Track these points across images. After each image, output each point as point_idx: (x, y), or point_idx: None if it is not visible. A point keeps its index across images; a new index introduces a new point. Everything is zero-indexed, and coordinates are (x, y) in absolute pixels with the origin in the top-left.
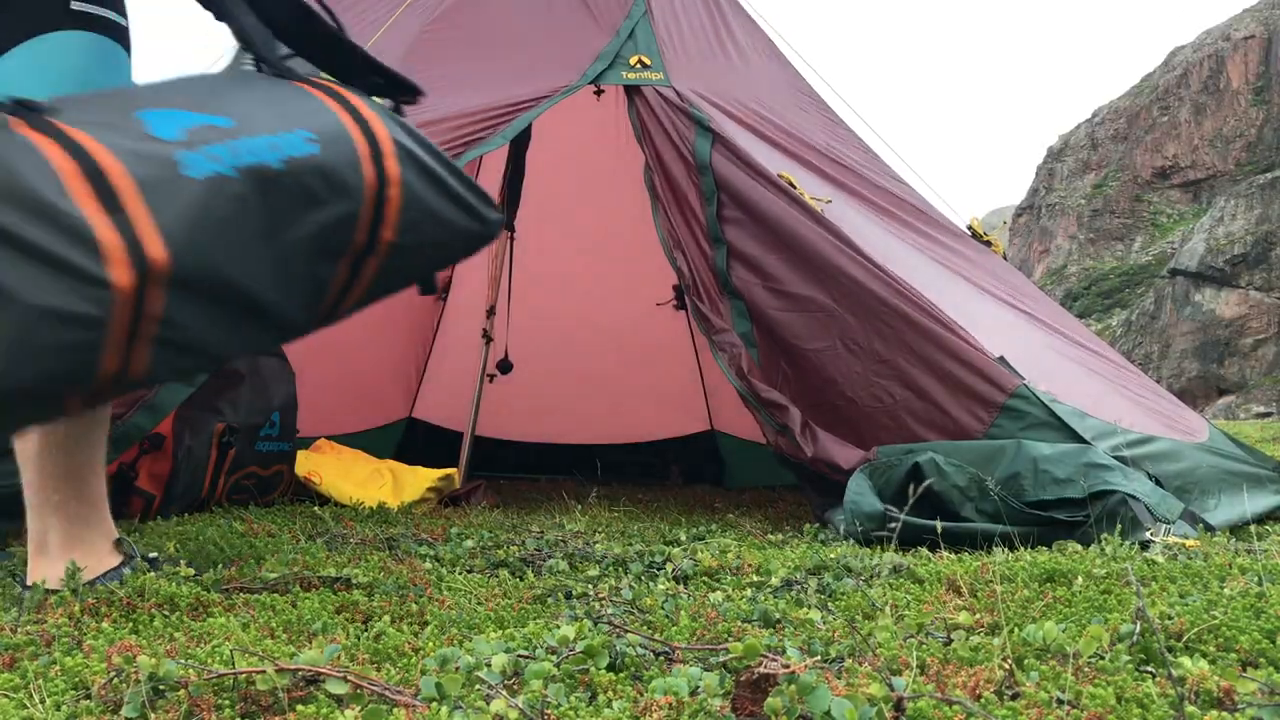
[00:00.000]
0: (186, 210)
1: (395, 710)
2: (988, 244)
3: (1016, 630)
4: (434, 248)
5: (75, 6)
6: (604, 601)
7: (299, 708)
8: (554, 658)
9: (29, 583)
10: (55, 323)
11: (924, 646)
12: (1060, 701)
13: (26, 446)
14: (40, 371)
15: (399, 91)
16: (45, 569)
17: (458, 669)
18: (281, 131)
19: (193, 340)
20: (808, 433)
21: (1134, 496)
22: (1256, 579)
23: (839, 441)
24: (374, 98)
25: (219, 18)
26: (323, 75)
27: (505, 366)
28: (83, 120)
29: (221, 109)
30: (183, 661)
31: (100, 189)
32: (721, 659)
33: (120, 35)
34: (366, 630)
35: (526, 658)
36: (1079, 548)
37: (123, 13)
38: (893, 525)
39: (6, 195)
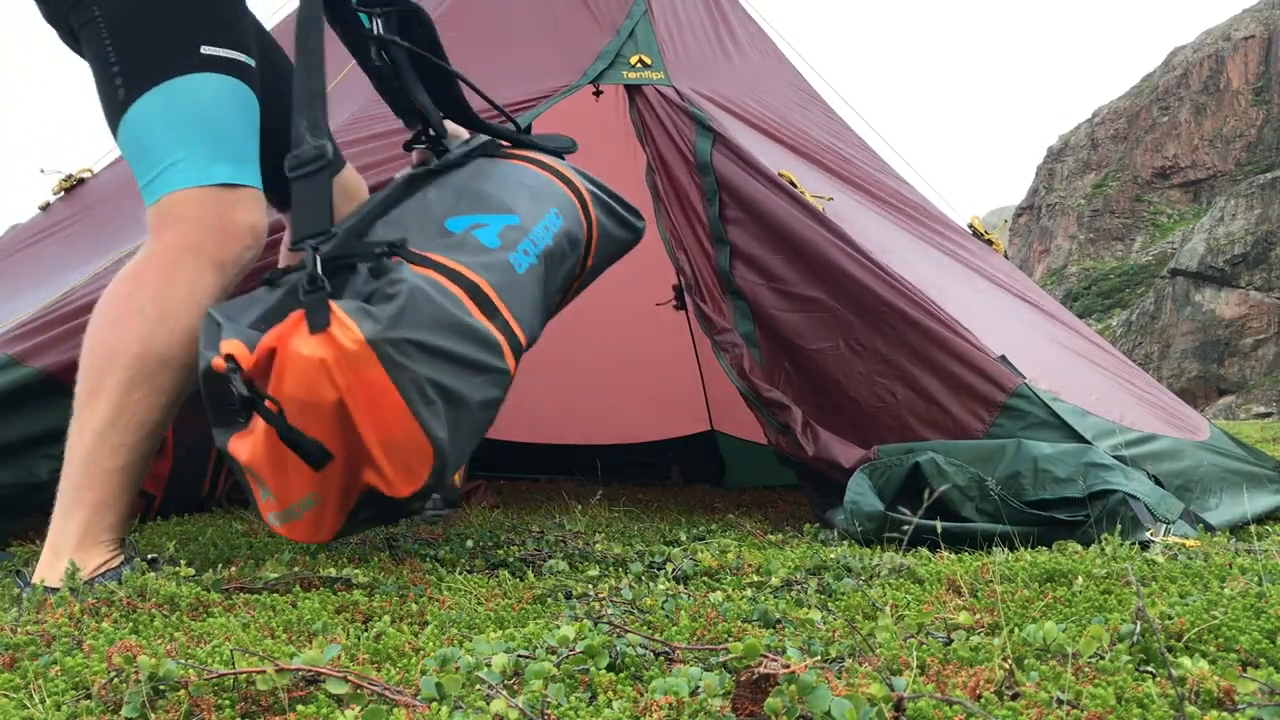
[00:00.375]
0: (525, 299)
1: (395, 710)
2: (989, 243)
3: (1016, 630)
4: (607, 259)
5: (205, 51)
6: (604, 601)
7: (299, 708)
8: (554, 658)
9: (33, 580)
10: (487, 409)
11: (924, 646)
12: (1060, 701)
13: (81, 443)
14: (476, 442)
15: (560, 148)
16: (51, 568)
17: (458, 669)
18: (544, 215)
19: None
20: (809, 432)
21: (1134, 496)
22: (1256, 579)
23: (840, 440)
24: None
25: (401, 93)
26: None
27: None
28: (427, 242)
29: (503, 206)
30: (183, 661)
31: (480, 302)
32: (721, 659)
33: (248, 76)
34: (366, 630)
35: (526, 658)
36: (1079, 548)
37: (250, 53)
38: (905, 528)
39: (443, 325)
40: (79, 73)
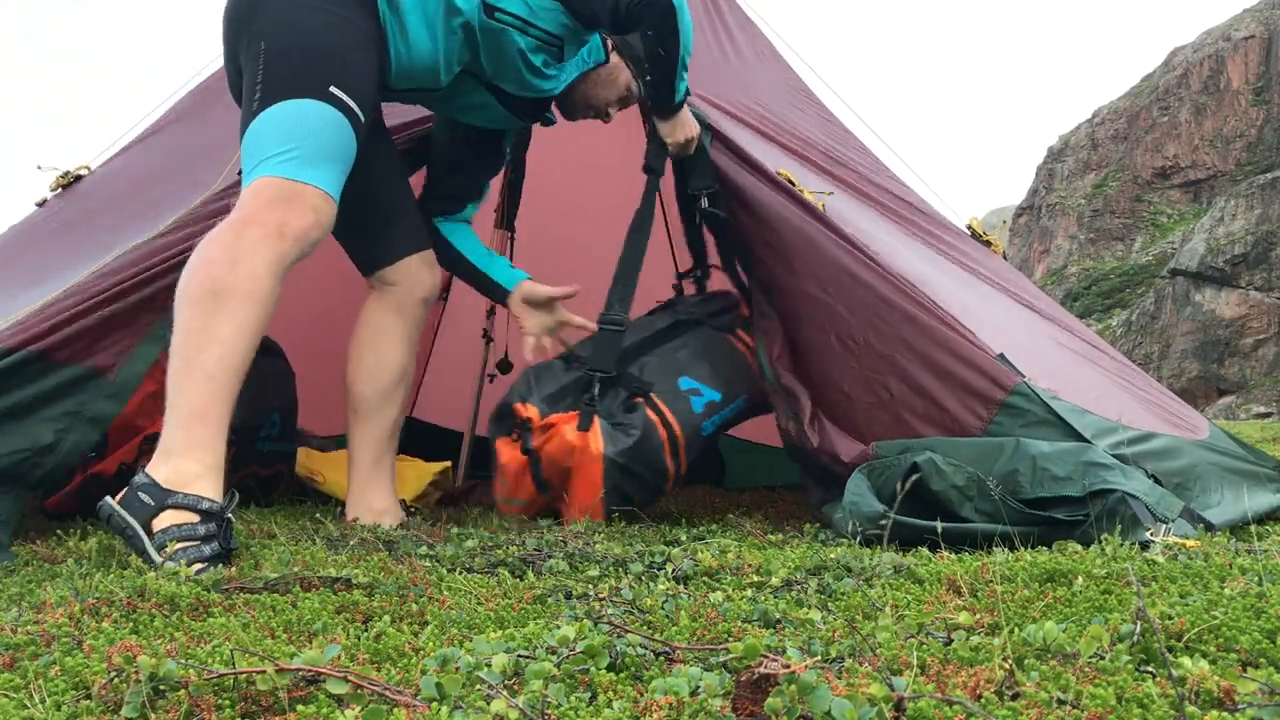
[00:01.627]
0: (695, 452)
1: (395, 710)
2: (987, 244)
3: (1016, 630)
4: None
5: (332, 89)
6: (604, 601)
7: (299, 708)
8: (554, 658)
9: (146, 470)
10: (652, 489)
11: (924, 646)
12: (1060, 701)
13: (174, 367)
14: (624, 500)
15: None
16: (162, 467)
17: (458, 669)
18: (735, 401)
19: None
20: (816, 424)
21: (1133, 495)
22: (1256, 579)
23: (843, 435)
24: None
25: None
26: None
27: (505, 366)
28: (663, 392)
29: (715, 384)
30: (183, 661)
31: (673, 448)
32: (722, 659)
33: (355, 122)
34: (366, 630)
35: (527, 658)
36: (1079, 548)
37: (364, 111)
38: (883, 524)
39: (646, 461)
40: (78, 73)
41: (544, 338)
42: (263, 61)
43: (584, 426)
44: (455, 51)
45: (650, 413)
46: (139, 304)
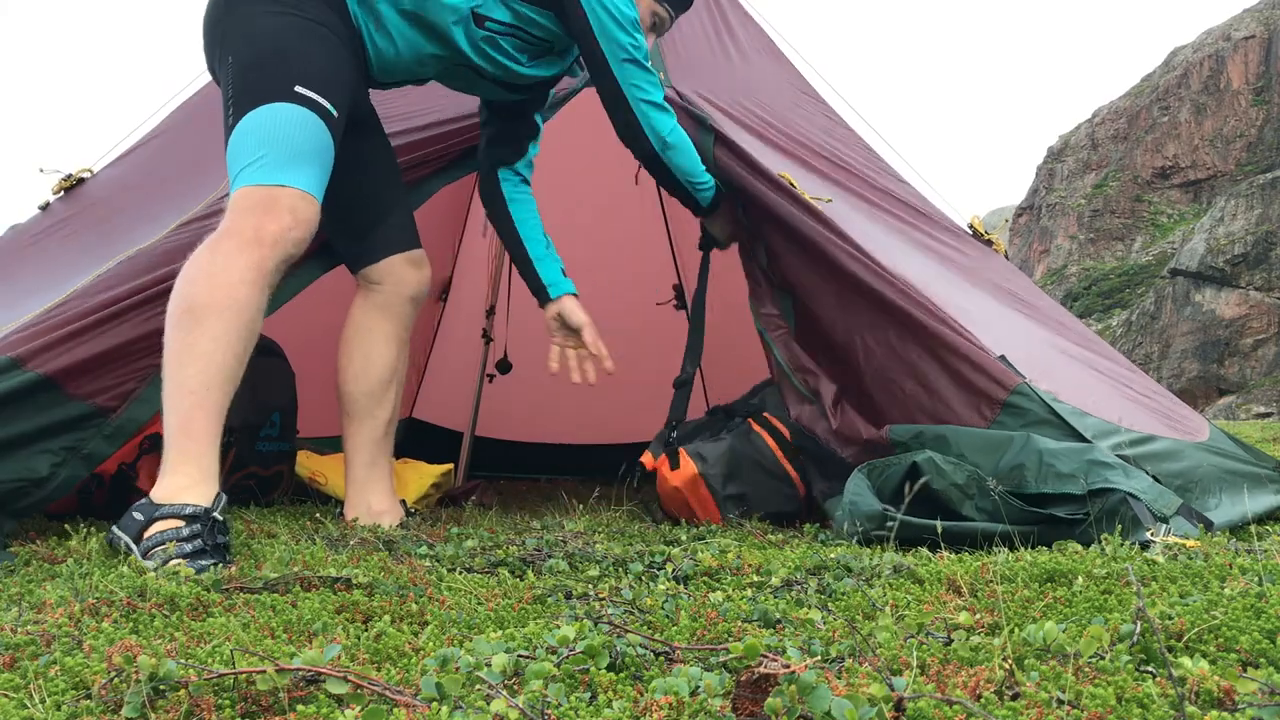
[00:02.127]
0: (826, 451)
1: (395, 710)
2: (989, 243)
3: (1016, 630)
4: None
5: (298, 89)
6: (604, 601)
7: (299, 708)
8: (554, 658)
9: (150, 494)
10: (773, 488)
11: (924, 646)
12: (1060, 701)
13: (165, 389)
14: (742, 500)
15: None
16: (159, 487)
17: (458, 669)
18: None
19: None
20: (838, 408)
21: (1134, 496)
22: (1257, 579)
23: (863, 419)
24: None
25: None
26: None
27: (505, 366)
28: (775, 407)
29: None
30: (183, 661)
31: (785, 449)
32: (721, 659)
33: (328, 119)
34: (366, 630)
35: (527, 658)
36: (1079, 548)
37: (338, 107)
38: (890, 525)
39: (769, 468)
40: (78, 73)
41: (568, 351)
42: (232, 74)
43: (674, 465)
44: (443, 51)
45: (755, 425)
46: (143, 340)
